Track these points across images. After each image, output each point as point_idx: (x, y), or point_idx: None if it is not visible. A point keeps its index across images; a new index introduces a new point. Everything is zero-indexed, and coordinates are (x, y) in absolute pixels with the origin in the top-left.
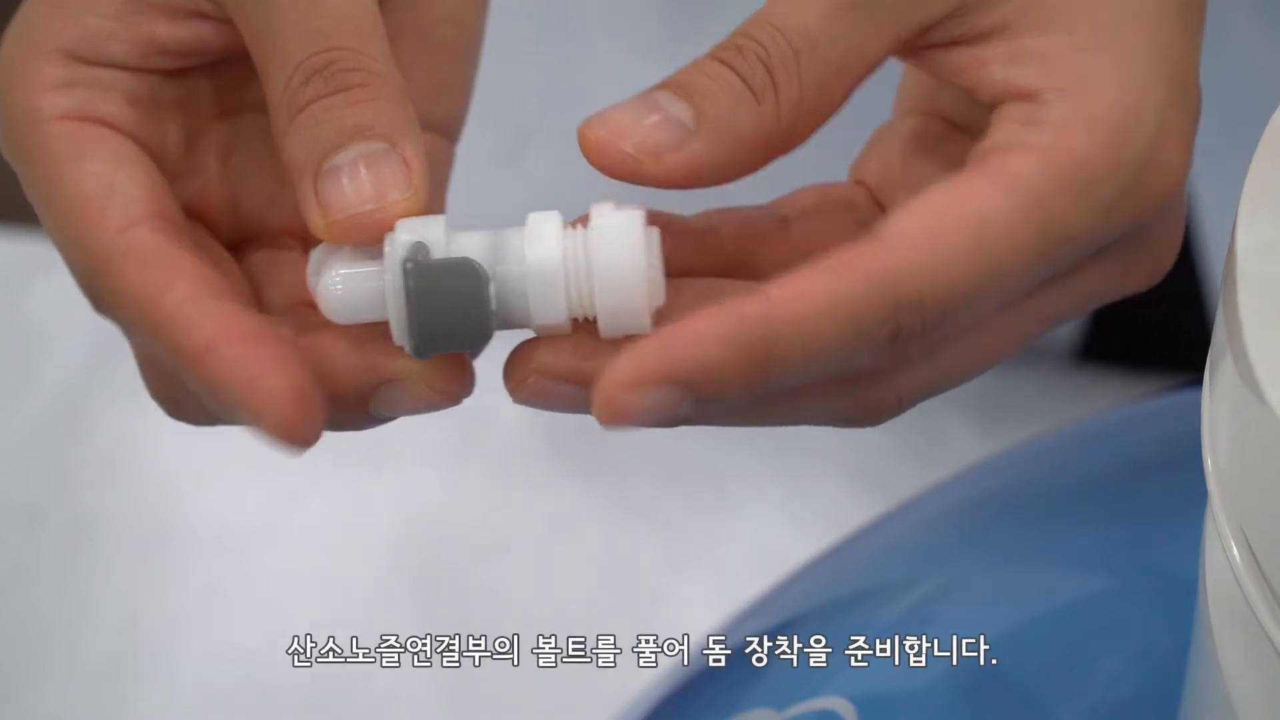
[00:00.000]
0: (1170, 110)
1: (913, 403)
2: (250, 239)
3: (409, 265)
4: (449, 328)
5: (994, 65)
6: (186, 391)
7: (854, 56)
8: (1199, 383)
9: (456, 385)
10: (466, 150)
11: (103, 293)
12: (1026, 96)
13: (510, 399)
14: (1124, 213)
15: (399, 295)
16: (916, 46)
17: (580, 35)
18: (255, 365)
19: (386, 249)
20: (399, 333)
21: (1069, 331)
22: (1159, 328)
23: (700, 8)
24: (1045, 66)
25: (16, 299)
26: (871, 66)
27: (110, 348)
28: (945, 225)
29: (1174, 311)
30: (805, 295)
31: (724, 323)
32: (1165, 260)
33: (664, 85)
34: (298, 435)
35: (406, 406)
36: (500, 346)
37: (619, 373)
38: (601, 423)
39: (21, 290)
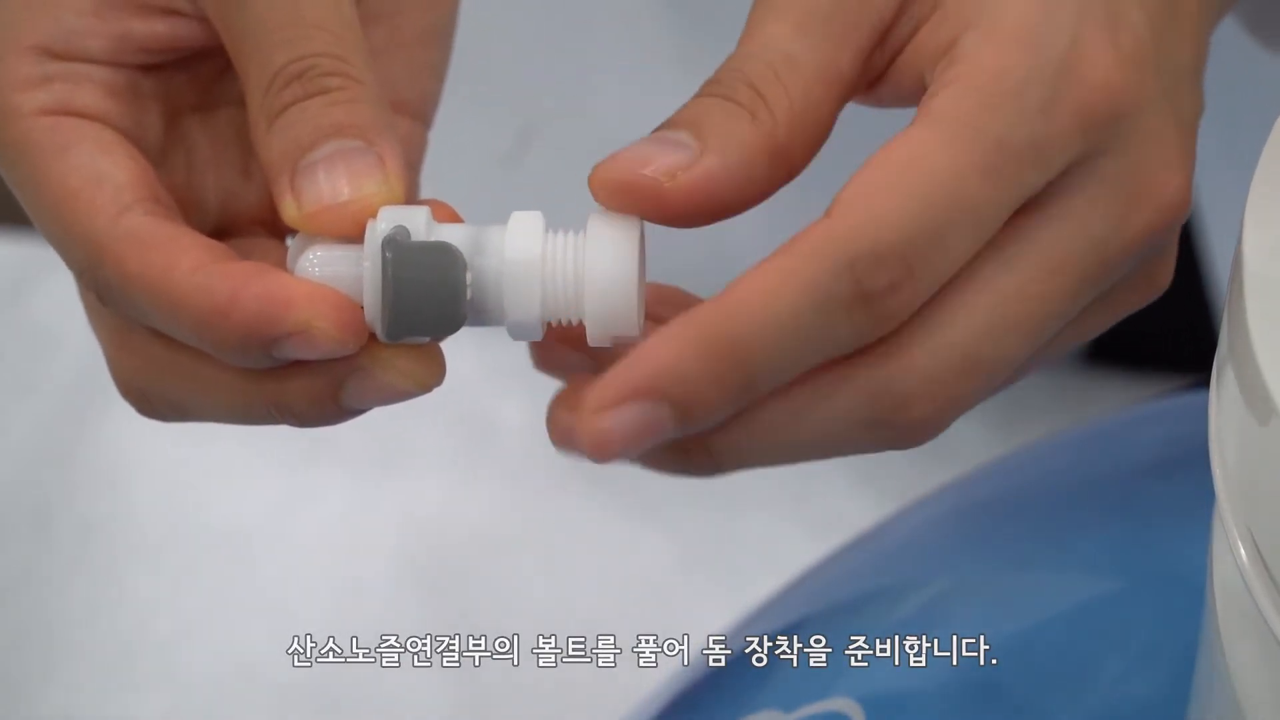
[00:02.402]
0: (1089, 24)
1: (948, 398)
2: (224, 232)
3: (388, 244)
4: (422, 311)
5: (929, 45)
6: (157, 387)
7: (829, 67)
8: (1205, 385)
9: (426, 372)
10: (467, 151)
11: (107, 282)
12: (947, 49)
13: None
14: (1066, 112)
15: (375, 274)
16: (882, 65)
17: (581, 35)
18: (285, 290)
19: (368, 232)
20: (372, 313)
21: None
22: (1165, 330)
23: (701, 8)
24: (960, 18)
25: (22, 301)
26: (848, 82)
27: None
28: (880, 177)
29: (1179, 314)
30: (758, 282)
31: (685, 327)
32: (1164, 277)
33: (659, 127)
34: (350, 332)
35: (376, 396)
36: (504, 349)
37: (592, 399)
38: (592, 457)
39: (27, 293)
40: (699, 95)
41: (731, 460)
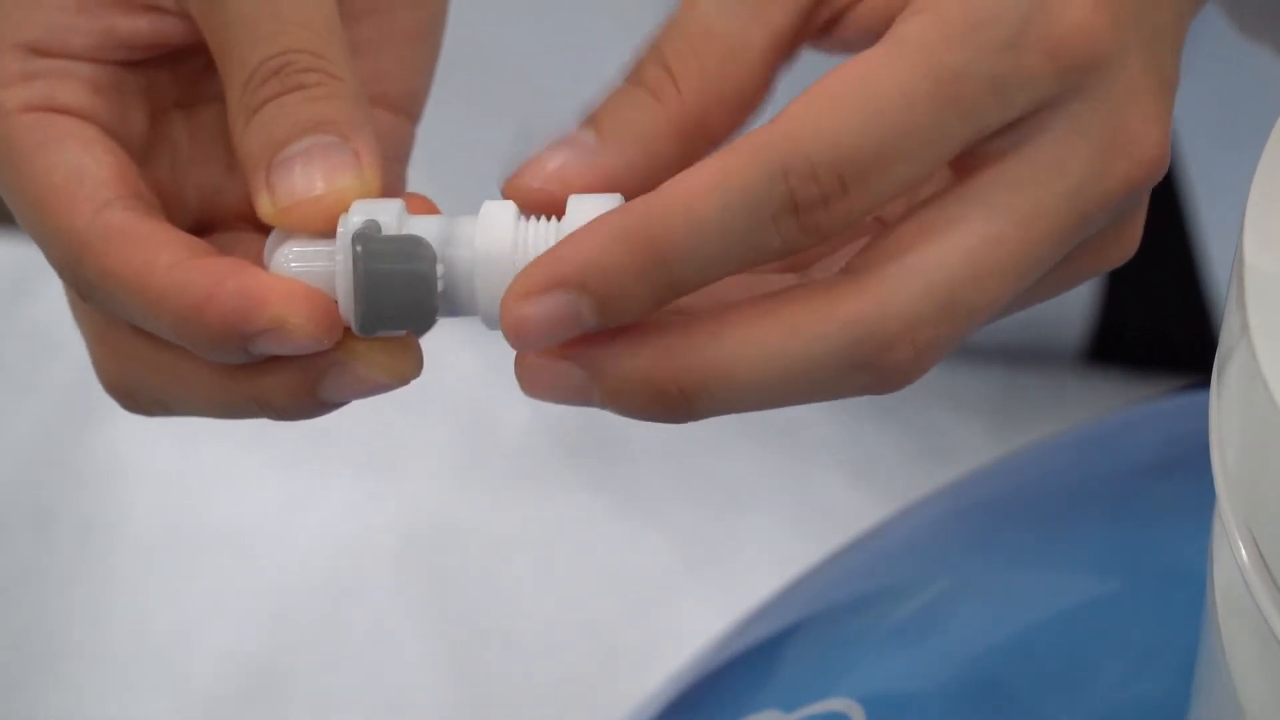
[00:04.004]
0: None
1: (928, 341)
2: (208, 227)
3: (358, 238)
4: (394, 304)
5: None
6: (139, 383)
7: (756, 29)
8: (1205, 385)
9: (402, 364)
10: (466, 151)
11: (88, 279)
12: None
13: (520, 396)
14: (1035, 50)
15: (347, 267)
16: (835, 12)
17: (581, 35)
18: (259, 286)
19: (340, 226)
20: (346, 307)
21: (1075, 334)
22: (1165, 330)
23: None
24: None
25: (22, 302)
26: (780, 43)
27: None
28: (828, 88)
29: (1179, 313)
30: (689, 180)
31: (610, 219)
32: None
33: (573, 129)
34: (324, 327)
35: (353, 389)
36: (504, 349)
37: (515, 287)
38: (509, 342)
39: (27, 293)
40: (614, 87)
41: (704, 400)
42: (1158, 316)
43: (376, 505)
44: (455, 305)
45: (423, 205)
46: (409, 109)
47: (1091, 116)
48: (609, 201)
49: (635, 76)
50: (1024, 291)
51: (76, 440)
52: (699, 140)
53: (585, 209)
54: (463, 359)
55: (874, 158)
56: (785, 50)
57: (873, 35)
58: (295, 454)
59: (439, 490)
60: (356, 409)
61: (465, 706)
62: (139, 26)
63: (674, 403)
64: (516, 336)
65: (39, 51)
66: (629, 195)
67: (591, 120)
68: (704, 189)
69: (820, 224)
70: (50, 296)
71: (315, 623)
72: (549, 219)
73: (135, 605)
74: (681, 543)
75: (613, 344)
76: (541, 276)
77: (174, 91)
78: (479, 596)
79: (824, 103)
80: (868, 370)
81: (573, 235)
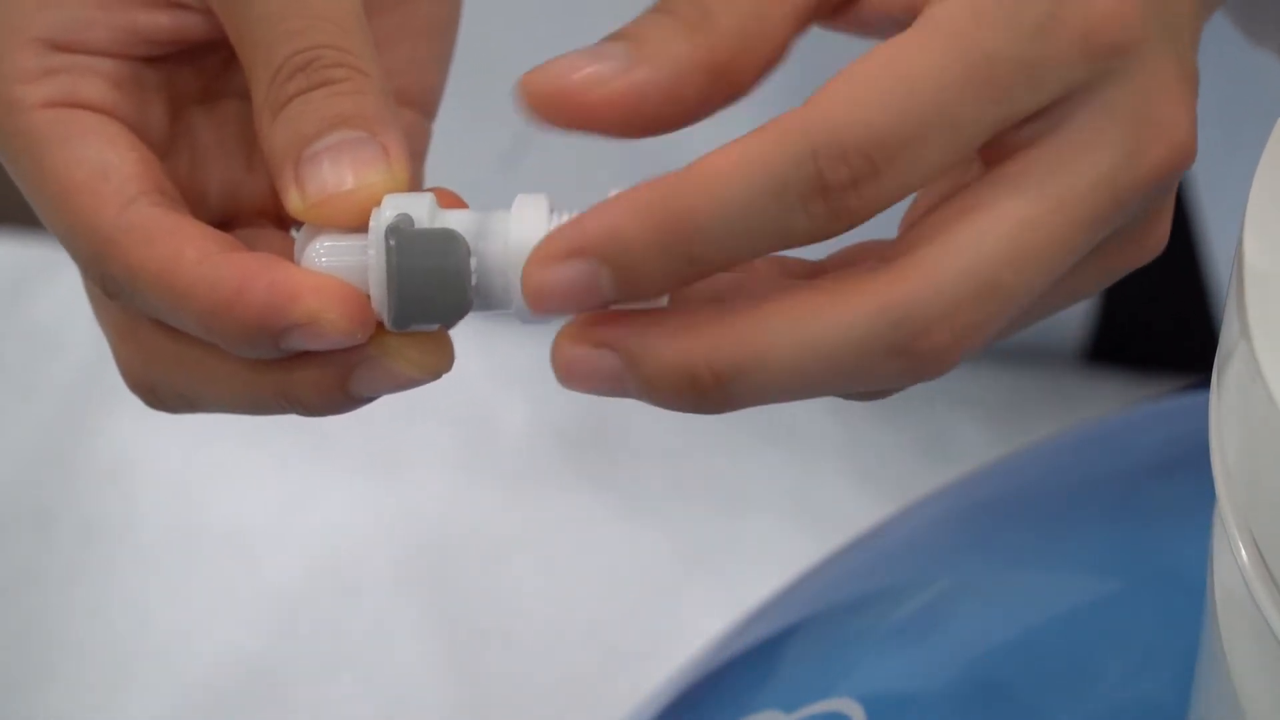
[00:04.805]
0: None
1: (967, 325)
2: (228, 224)
3: (392, 232)
4: (428, 298)
5: None
6: (164, 379)
7: None
8: (1205, 385)
9: (435, 358)
10: (467, 151)
11: (113, 274)
12: None
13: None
14: (1066, 35)
15: (380, 262)
16: None
17: (581, 35)
18: (291, 281)
19: (372, 221)
20: (379, 302)
21: (1076, 334)
22: (1165, 330)
23: None
24: None
25: (22, 302)
26: (805, 4)
27: None
28: (859, 71)
29: (1181, 313)
30: (718, 159)
31: (637, 194)
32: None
33: (602, 40)
34: (358, 322)
35: (386, 384)
36: (505, 349)
37: (537, 253)
38: (529, 306)
39: (27, 293)
40: (647, 10)
41: (738, 385)
42: (1158, 316)
43: (377, 505)
44: (488, 299)
45: (451, 200)
46: (425, 105)
47: (1123, 101)
48: None
49: (667, 6)
50: (1058, 285)
51: (76, 440)
52: (723, 83)
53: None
54: (464, 360)
55: (905, 140)
56: (804, 17)
57: (889, 19)
58: (295, 454)
59: (440, 490)
60: (357, 409)
61: (465, 706)
62: (160, 22)
63: (708, 388)
64: (536, 302)
65: (59, 47)
66: (654, 118)
67: (622, 36)
68: (729, 169)
69: (850, 207)
70: (50, 296)
71: (315, 623)
72: (579, 215)
73: (135, 605)
74: (681, 543)
75: (648, 331)
76: (563, 243)
77: (195, 87)
78: (479, 596)
79: (855, 85)
80: (905, 356)
81: (598, 206)
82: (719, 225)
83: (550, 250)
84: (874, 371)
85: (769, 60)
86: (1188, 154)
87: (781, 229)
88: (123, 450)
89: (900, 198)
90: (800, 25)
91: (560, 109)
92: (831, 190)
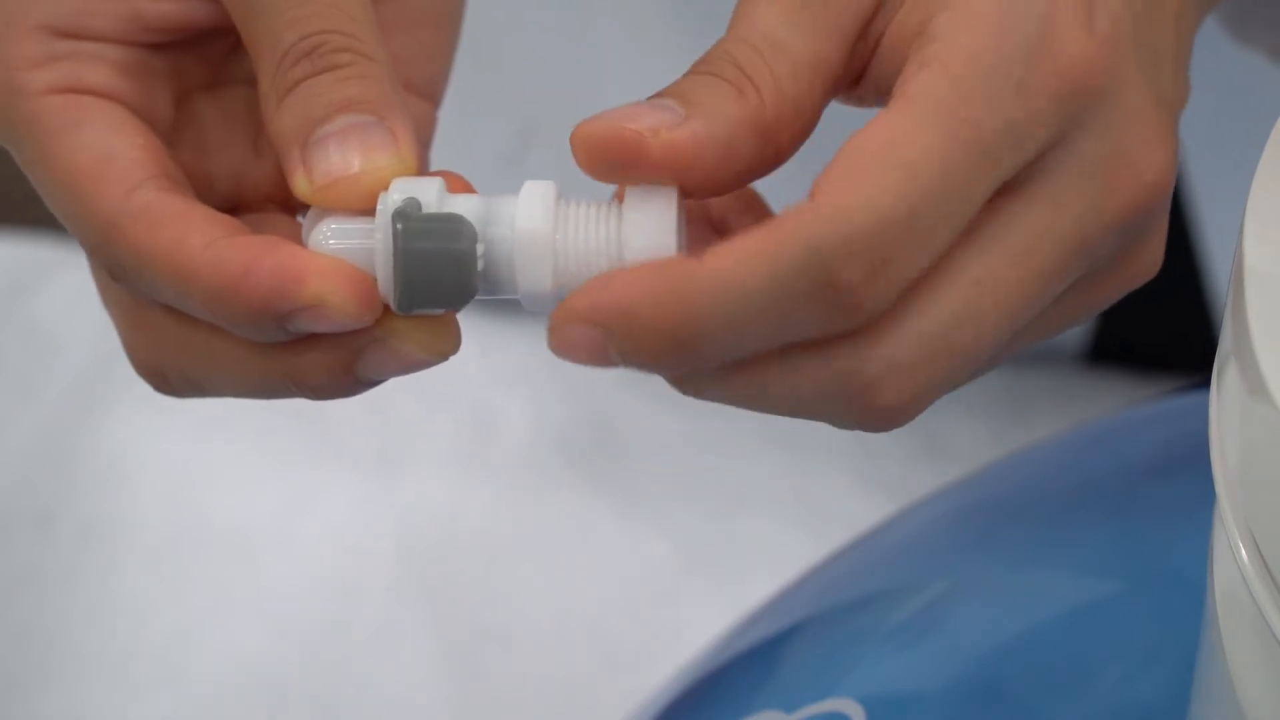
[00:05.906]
0: (1061, 3)
1: (919, 385)
2: (235, 210)
3: (399, 215)
4: (434, 282)
5: (906, 27)
6: (172, 364)
7: (815, 53)
8: (1205, 385)
9: (441, 341)
10: (467, 151)
11: (120, 258)
12: (920, 31)
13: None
14: (1040, 92)
15: (387, 245)
16: (866, 56)
17: (582, 35)
18: (298, 263)
19: (380, 204)
20: (385, 285)
21: (1076, 334)
22: (1165, 330)
23: (703, 9)
24: (933, 1)
25: (24, 302)
26: (834, 72)
27: (118, 350)
28: (856, 164)
29: (1180, 314)
30: (728, 255)
31: (653, 273)
32: (1155, 252)
33: (652, 97)
34: (364, 305)
35: (393, 367)
36: (505, 350)
37: (562, 308)
38: (550, 347)
39: (29, 293)
40: (687, 74)
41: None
42: (1158, 316)
43: (377, 505)
44: (494, 284)
45: (459, 184)
46: (430, 93)
47: (1093, 150)
48: (668, 197)
49: (712, 70)
50: (1038, 322)
51: (76, 440)
52: (770, 147)
53: (646, 202)
54: (464, 360)
55: (910, 229)
56: (836, 83)
57: (897, 72)
58: (296, 454)
59: (440, 490)
60: (357, 408)
61: (465, 707)
62: (165, 9)
63: (686, 390)
64: (560, 352)
65: (62, 33)
66: (709, 173)
67: (673, 94)
68: (736, 268)
69: (863, 302)
70: (50, 296)
71: (316, 623)
72: (600, 204)
73: (136, 605)
74: (681, 543)
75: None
76: (580, 306)
77: (200, 74)
78: (479, 596)
79: (852, 178)
80: (855, 411)
81: (619, 275)
82: (723, 323)
83: (572, 310)
84: (825, 418)
85: (806, 127)
86: (1160, 190)
87: (791, 325)
88: (123, 450)
89: (913, 280)
90: (830, 94)
91: (619, 158)
92: (843, 287)
